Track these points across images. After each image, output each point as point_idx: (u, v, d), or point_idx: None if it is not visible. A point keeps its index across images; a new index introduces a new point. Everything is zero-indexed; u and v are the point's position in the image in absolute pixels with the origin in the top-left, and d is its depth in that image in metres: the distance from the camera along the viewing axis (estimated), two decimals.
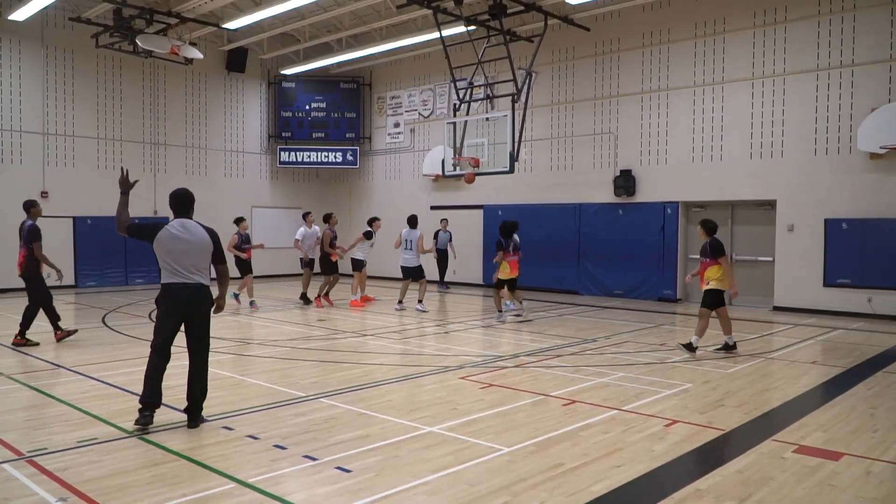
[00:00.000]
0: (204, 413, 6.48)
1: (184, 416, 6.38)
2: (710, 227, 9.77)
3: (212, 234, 6.30)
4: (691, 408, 6.84)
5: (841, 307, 14.17)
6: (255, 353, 9.71)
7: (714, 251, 9.57)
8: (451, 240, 19.33)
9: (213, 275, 6.40)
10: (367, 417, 6.43)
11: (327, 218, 15.62)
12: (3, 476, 4.84)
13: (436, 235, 19.32)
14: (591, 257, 17.96)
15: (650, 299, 16.80)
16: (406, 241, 14.78)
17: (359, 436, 5.84)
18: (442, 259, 19.37)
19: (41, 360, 9.12)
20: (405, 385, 7.83)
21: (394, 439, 5.77)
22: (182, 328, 6.19)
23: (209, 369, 6.33)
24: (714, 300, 9.68)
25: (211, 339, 6.40)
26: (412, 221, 14.91)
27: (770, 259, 15.36)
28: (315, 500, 4.50)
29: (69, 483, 4.70)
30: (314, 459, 5.24)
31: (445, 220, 19.83)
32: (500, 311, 13.30)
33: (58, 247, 18.85)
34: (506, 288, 13.32)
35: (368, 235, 15.32)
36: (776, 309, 14.99)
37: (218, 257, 6.34)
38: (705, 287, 9.72)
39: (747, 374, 8.53)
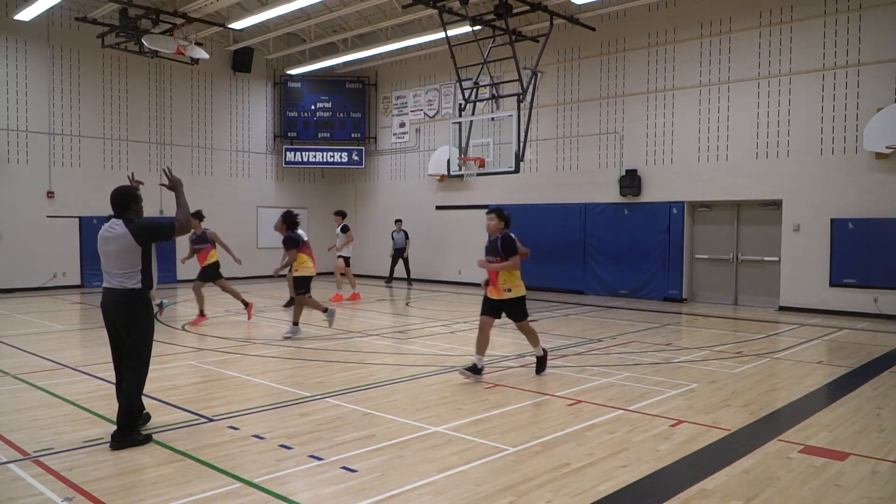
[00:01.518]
0: (209, 413, 6.50)
1: (189, 416, 6.40)
2: (504, 217, 8.10)
3: (135, 229, 5.58)
4: (697, 408, 6.83)
5: (847, 307, 14.12)
6: (259, 353, 9.72)
7: (507, 248, 7.92)
8: (407, 238, 20.39)
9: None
10: (373, 417, 6.44)
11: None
12: (9, 476, 4.86)
13: (392, 236, 20.49)
14: (596, 257, 17.94)
15: (656, 299, 16.77)
16: None
17: (364, 435, 5.84)
18: (397, 258, 20.50)
19: (47, 359, 9.15)
20: (410, 385, 7.83)
21: (399, 439, 5.77)
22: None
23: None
24: (523, 309, 8.11)
25: (149, 352, 5.84)
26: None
27: (776, 259, 15.33)
28: (321, 499, 4.51)
29: (75, 483, 4.72)
30: (320, 459, 5.25)
31: (400, 220, 20.83)
32: (326, 310, 11.22)
33: (64, 246, 18.99)
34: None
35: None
36: (782, 309, 14.96)
37: (160, 235, 5.72)
38: (506, 294, 7.97)
39: (753, 373, 8.51)
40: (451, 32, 16.62)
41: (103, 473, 4.91)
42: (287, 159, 23.19)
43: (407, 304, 16.39)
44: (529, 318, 8.28)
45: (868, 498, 4.60)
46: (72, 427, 6.05)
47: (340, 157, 23.45)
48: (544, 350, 8.47)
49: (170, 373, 8.42)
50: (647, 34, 16.97)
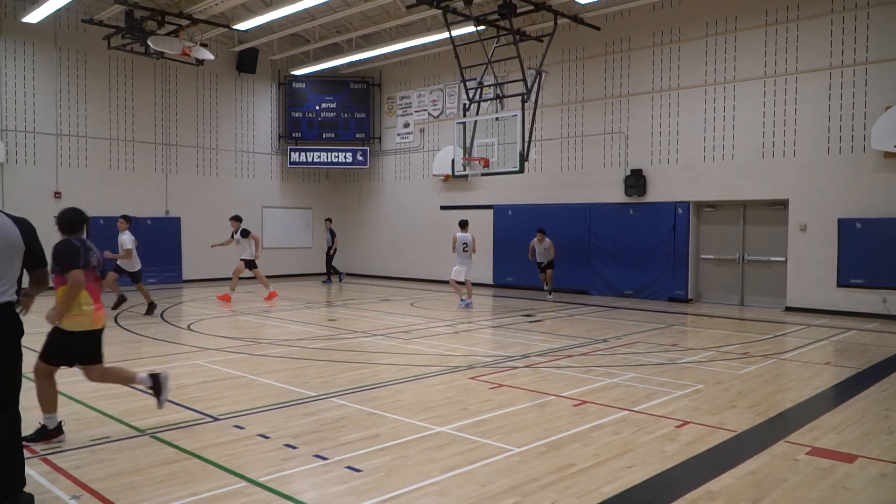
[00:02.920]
0: (214, 412, 6.48)
1: (194, 415, 6.40)
2: (70, 223, 6.08)
3: (23, 227, 4.46)
4: (703, 409, 6.80)
5: (854, 308, 14.06)
6: (265, 353, 9.73)
7: (57, 259, 5.51)
8: (334, 237, 21.84)
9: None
10: (377, 417, 6.43)
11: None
12: None
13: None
14: (601, 257, 17.91)
15: (661, 299, 16.73)
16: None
17: (369, 435, 5.84)
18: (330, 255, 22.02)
19: None
20: (415, 385, 7.83)
21: (404, 439, 5.76)
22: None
23: None
24: (71, 348, 5.60)
25: (23, 379, 4.63)
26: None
27: (782, 259, 15.27)
28: (325, 499, 4.50)
29: (82, 481, 4.73)
30: (324, 459, 5.24)
31: (329, 219, 22.33)
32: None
33: None
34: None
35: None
36: (788, 309, 14.90)
37: (34, 260, 4.59)
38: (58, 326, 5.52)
39: (759, 374, 8.48)
40: (456, 33, 16.60)
41: (110, 472, 4.92)
42: (291, 160, 23.20)
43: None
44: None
45: (876, 501, 4.58)
46: (78, 426, 6.06)
47: (345, 157, 23.45)
48: (155, 377, 5.98)
49: (175, 372, 8.42)
50: (651, 33, 16.93)
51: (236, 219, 16.47)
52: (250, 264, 16.00)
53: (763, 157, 15.28)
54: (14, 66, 18.07)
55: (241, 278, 16.46)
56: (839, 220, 14.21)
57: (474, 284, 20.19)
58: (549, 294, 17.34)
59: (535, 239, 16.99)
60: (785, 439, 5.84)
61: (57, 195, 18.72)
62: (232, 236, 16.32)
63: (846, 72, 14.16)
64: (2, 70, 17.86)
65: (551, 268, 17.21)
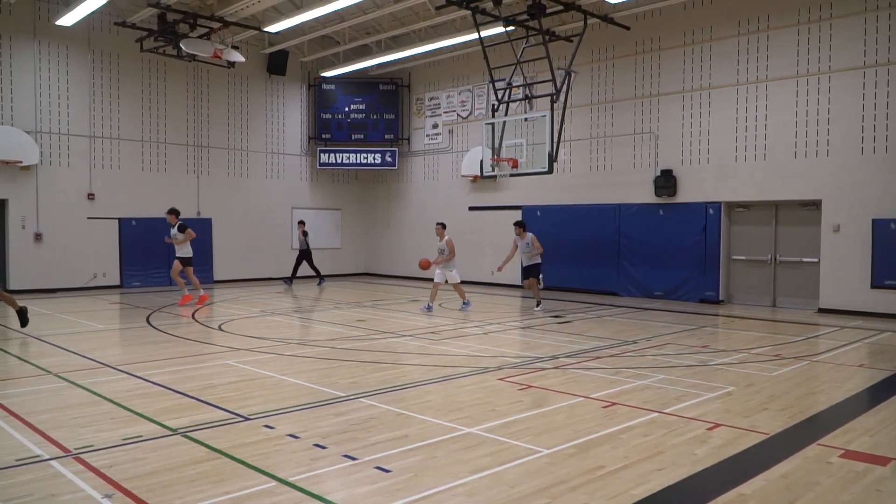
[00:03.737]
0: (245, 412, 6.56)
1: (225, 415, 6.47)
2: None
3: None
4: (734, 411, 6.73)
5: (889, 309, 13.81)
6: (294, 353, 9.81)
7: None
8: (305, 236, 21.00)
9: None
10: (406, 418, 6.46)
11: None
12: (50, 472, 4.96)
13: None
14: (630, 258, 17.79)
15: (692, 301, 16.57)
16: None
17: (398, 436, 5.86)
18: (301, 259, 20.96)
19: (88, 358, 9.33)
20: (443, 386, 7.84)
21: (432, 440, 5.77)
22: None
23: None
24: None
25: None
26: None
27: (815, 260, 15.04)
28: (354, 499, 4.53)
29: (115, 480, 4.80)
30: (354, 459, 5.27)
31: (302, 222, 21.36)
32: None
33: (104, 247, 19.36)
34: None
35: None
36: (821, 311, 14.68)
37: None
38: None
39: (792, 377, 8.36)
40: (485, 33, 16.59)
41: (142, 471, 4.99)
42: (321, 161, 23.37)
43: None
44: None
45: None
46: (111, 425, 6.16)
47: (374, 158, 23.56)
48: None
49: (206, 372, 8.54)
50: (682, 32, 16.78)
51: (173, 212, 15.48)
52: (187, 262, 15.30)
53: (795, 157, 15.06)
54: (48, 69, 18.42)
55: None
56: (873, 221, 13.97)
57: (507, 286, 20.22)
58: (537, 306, 15.10)
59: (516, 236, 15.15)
60: (818, 442, 5.77)
61: (90, 196, 19.05)
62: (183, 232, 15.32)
63: (880, 70, 13.91)
64: (36, 73, 18.22)
65: (534, 275, 15.02)
